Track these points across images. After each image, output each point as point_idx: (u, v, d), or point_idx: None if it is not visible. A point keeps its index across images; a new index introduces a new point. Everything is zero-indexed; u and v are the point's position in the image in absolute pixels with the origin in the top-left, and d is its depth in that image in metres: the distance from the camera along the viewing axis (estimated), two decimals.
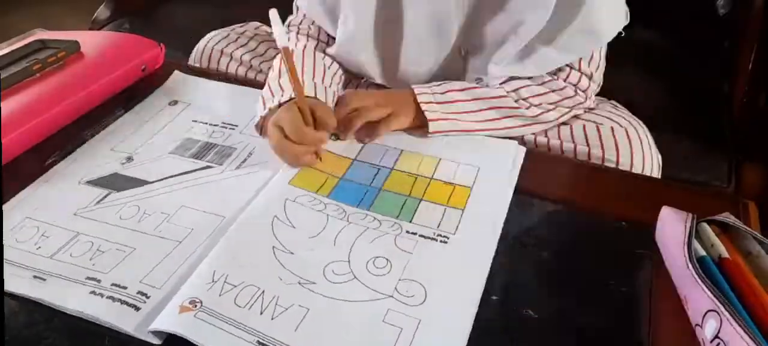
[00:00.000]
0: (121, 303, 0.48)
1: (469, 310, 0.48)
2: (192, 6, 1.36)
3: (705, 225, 0.51)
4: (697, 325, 0.46)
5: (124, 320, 0.47)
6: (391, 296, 0.49)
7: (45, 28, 0.89)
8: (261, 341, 0.45)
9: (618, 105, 0.78)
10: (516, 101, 0.70)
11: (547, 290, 0.50)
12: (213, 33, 0.89)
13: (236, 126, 0.71)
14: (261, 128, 0.68)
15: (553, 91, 0.71)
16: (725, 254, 0.48)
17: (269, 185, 0.61)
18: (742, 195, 0.85)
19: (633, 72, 1.06)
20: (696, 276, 0.46)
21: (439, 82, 0.71)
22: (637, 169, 0.68)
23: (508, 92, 0.70)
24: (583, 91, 0.72)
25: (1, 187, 0.39)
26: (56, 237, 0.55)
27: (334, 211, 0.58)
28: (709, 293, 0.44)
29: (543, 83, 0.70)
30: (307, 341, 0.45)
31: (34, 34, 0.83)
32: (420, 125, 0.68)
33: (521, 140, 0.70)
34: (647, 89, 1.07)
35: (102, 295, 0.49)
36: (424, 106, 0.67)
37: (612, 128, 0.70)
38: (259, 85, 0.72)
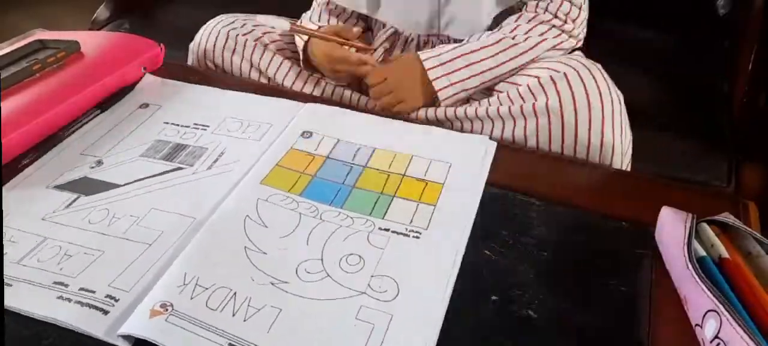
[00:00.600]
0: (90, 307, 0.47)
1: (441, 302, 0.48)
2: (192, 6, 1.36)
3: (705, 225, 0.51)
4: (697, 325, 0.46)
5: (93, 324, 0.46)
6: (364, 293, 0.49)
7: (45, 28, 0.89)
8: (233, 343, 0.44)
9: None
10: (513, 39, 0.78)
11: (546, 290, 0.50)
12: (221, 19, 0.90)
13: (207, 126, 0.71)
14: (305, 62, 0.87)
15: (541, 22, 0.78)
16: (725, 254, 0.48)
17: (241, 185, 0.61)
18: (742, 195, 0.85)
19: (633, 71, 1.06)
20: (696, 276, 0.46)
21: (439, 52, 0.80)
22: (595, 111, 0.68)
23: (501, 38, 0.78)
24: (573, 21, 0.79)
25: (0, 187, 0.38)
26: (23, 242, 0.54)
27: (306, 209, 0.58)
28: (709, 293, 0.44)
29: (530, 20, 0.79)
30: (279, 341, 0.45)
31: (34, 34, 0.83)
32: (428, 102, 0.81)
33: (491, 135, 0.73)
34: (647, 88, 1.07)
35: (70, 299, 0.48)
36: (434, 82, 0.78)
37: (565, 73, 0.69)
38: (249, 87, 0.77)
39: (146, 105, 0.75)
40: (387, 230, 0.56)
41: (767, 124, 1.01)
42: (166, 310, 0.46)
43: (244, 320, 0.46)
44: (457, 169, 0.63)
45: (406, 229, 0.56)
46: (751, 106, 1.04)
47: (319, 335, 0.46)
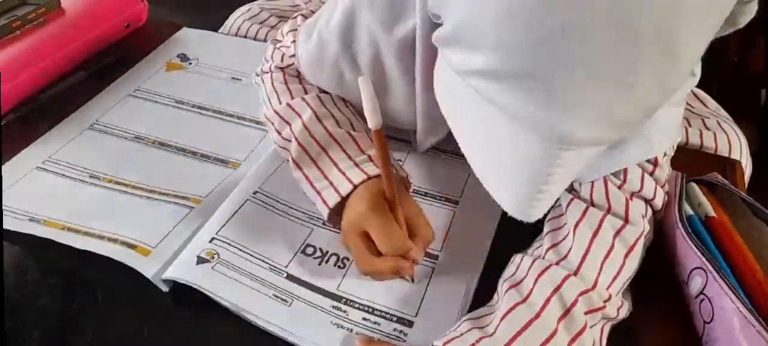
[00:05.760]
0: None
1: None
2: None
3: (693, 185, 0.52)
4: (683, 281, 0.47)
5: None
6: None
7: None
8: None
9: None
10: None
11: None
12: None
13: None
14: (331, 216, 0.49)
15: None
16: (712, 213, 0.49)
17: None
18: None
19: None
20: (684, 234, 0.46)
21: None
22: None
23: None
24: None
25: (0, 185, 0.37)
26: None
27: None
28: (696, 250, 0.45)
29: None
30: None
31: None
32: None
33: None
34: None
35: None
36: None
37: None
38: None
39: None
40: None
41: (756, 84, 1.01)
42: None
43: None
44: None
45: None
46: (741, 66, 1.04)
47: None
